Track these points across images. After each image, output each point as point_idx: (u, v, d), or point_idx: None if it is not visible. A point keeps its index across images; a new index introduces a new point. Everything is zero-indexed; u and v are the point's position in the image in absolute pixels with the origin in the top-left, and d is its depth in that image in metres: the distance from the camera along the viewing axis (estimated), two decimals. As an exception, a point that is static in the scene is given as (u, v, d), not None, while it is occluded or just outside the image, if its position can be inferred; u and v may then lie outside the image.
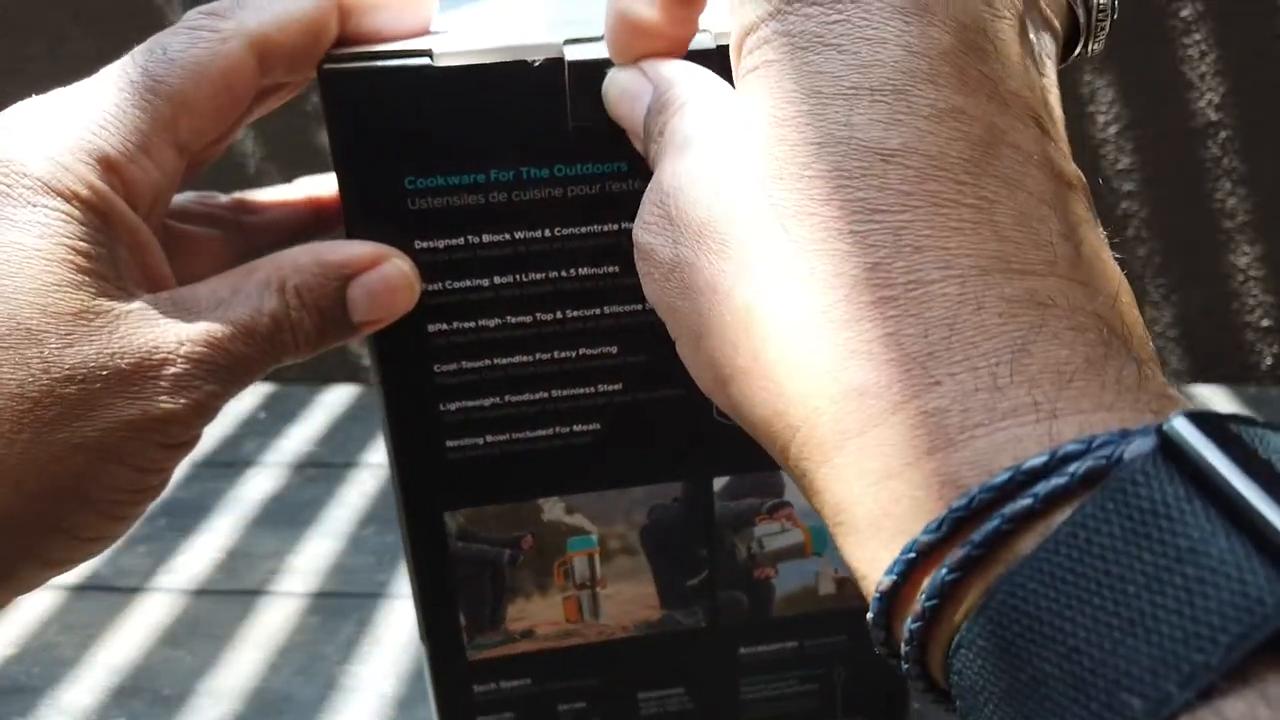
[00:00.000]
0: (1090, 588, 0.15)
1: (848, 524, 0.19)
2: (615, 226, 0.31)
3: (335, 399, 0.82)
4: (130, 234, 0.26)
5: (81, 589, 0.62)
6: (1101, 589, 0.15)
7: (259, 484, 0.72)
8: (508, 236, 0.31)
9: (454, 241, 0.31)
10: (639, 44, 0.25)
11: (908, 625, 0.18)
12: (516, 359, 0.33)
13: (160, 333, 0.26)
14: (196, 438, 0.28)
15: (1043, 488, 0.17)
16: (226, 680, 0.54)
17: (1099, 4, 0.25)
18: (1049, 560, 0.16)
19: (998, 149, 0.19)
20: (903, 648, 0.18)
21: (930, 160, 0.19)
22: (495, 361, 0.33)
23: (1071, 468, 0.16)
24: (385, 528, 0.66)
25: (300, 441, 0.77)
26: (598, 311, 0.33)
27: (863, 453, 0.19)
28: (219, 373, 0.27)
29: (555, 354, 0.33)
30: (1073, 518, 0.16)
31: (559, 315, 0.33)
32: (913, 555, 0.18)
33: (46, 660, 0.56)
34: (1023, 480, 0.17)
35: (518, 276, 0.32)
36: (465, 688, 0.38)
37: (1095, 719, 0.15)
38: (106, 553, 0.65)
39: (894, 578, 0.18)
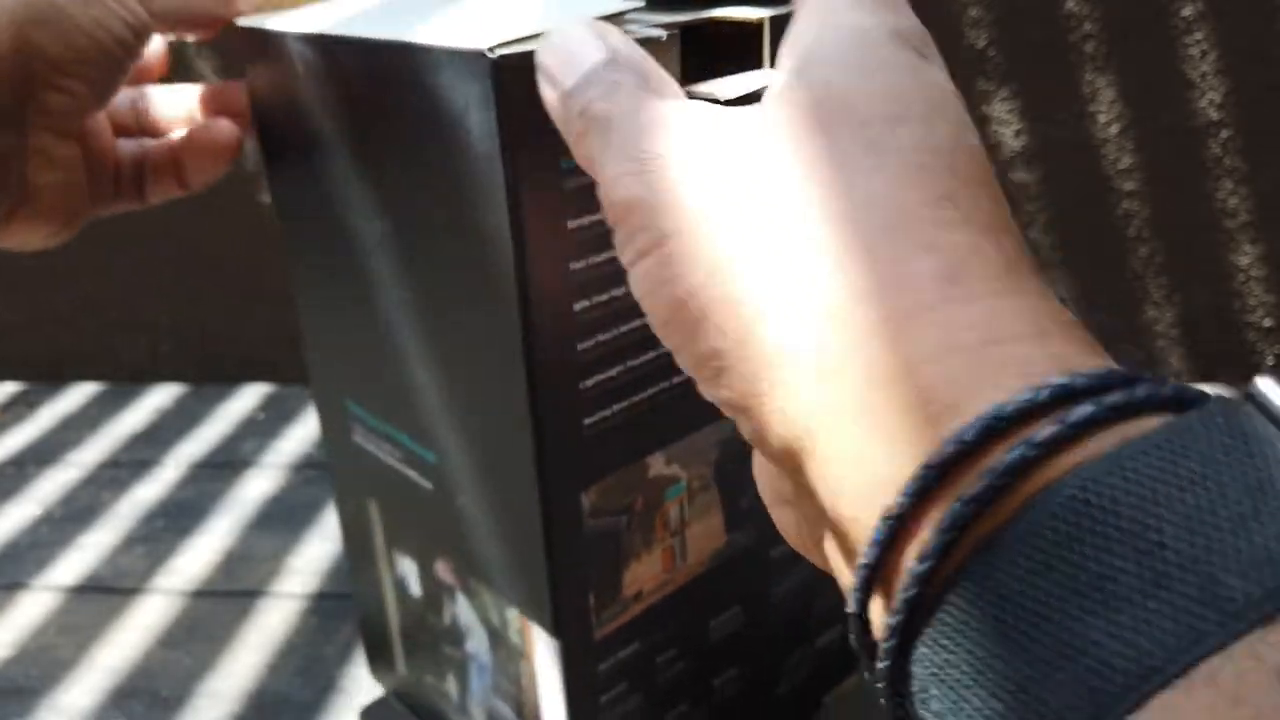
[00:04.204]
0: (1183, 486, 0.15)
1: (877, 406, 0.17)
2: None
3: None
4: None
5: (80, 590, 0.62)
6: (1196, 488, 0.15)
7: (257, 485, 0.72)
8: None
9: (598, 217, 0.31)
10: None
11: (951, 510, 0.16)
12: (634, 323, 0.34)
13: None
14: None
15: (1141, 390, 0.16)
16: (225, 682, 0.54)
17: None
18: (1136, 458, 0.15)
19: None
20: (928, 542, 0.16)
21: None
22: (621, 330, 0.34)
23: (1161, 387, 0.16)
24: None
25: (299, 442, 0.77)
26: None
27: (932, 326, 0.17)
28: None
29: None
30: (1171, 424, 0.15)
31: None
32: (995, 421, 0.16)
33: (45, 662, 0.56)
34: (1115, 381, 0.16)
35: None
36: (592, 670, 0.38)
37: (1182, 613, 0.14)
38: (105, 554, 0.65)
39: (957, 447, 0.16)
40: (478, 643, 0.41)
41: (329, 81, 0.34)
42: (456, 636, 0.42)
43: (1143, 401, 0.16)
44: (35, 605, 0.61)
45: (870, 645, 0.19)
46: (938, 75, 0.21)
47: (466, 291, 0.32)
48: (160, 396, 0.86)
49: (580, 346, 0.33)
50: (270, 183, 0.40)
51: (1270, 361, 0.78)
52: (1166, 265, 0.77)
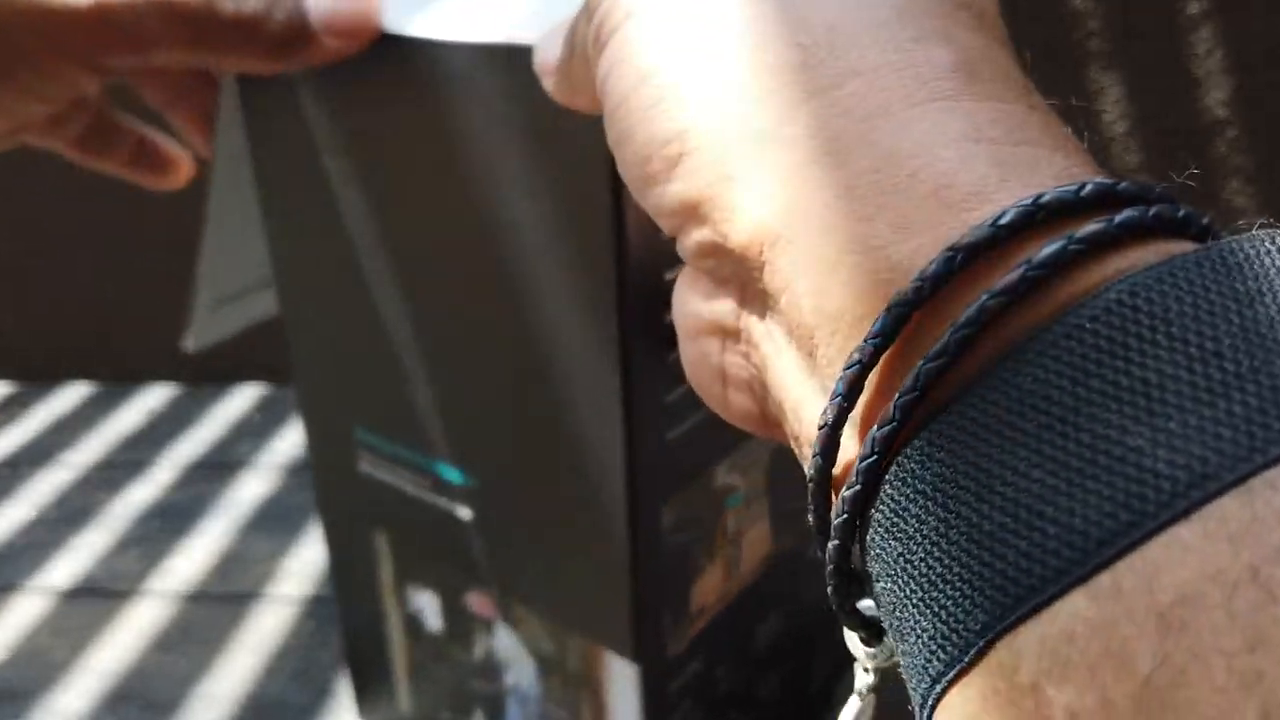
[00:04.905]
0: (1240, 300, 0.13)
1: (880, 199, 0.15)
2: None
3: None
4: None
5: (73, 593, 0.61)
6: (1255, 304, 0.13)
7: (252, 486, 0.71)
8: None
9: None
10: None
11: (976, 303, 0.14)
12: None
13: None
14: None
15: (1184, 210, 0.15)
16: (219, 685, 0.53)
17: None
18: (1188, 268, 0.14)
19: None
20: (944, 339, 0.14)
21: None
22: None
23: (1202, 214, 0.15)
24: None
25: (294, 443, 0.76)
26: None
27: (952, 114, 0.16)
28: None
29: None
30: (1221, 244, 0.14)
31: None
32: (1034, 209, 0.14)
33: (38, 665, 0.56)
34: (1155, 196, 0.15)
35: None
36: (664, 690, 0.37)
37: (1241, 421, 0.12)
38: (98, 556, 0.64)
39: (991, 231, 0.14)
40: (520, 674, 0.39)
41: (348, 84, 0.32)
42: (491, 670, 0.40)
43: (1184, 220, 0.15)
44: (29, 608, 0.60)
45: (826, 482, 0.17)
46: None
47: (551, 306, 0.30)
48: (154, 397, 0.85)
49: (670, 357, 0.31)
50: (261, 195, 0.37)
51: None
52: (1170, 265, 0.76)
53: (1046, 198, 0.14)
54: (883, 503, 0.15)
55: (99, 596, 0.61)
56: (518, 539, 0.35)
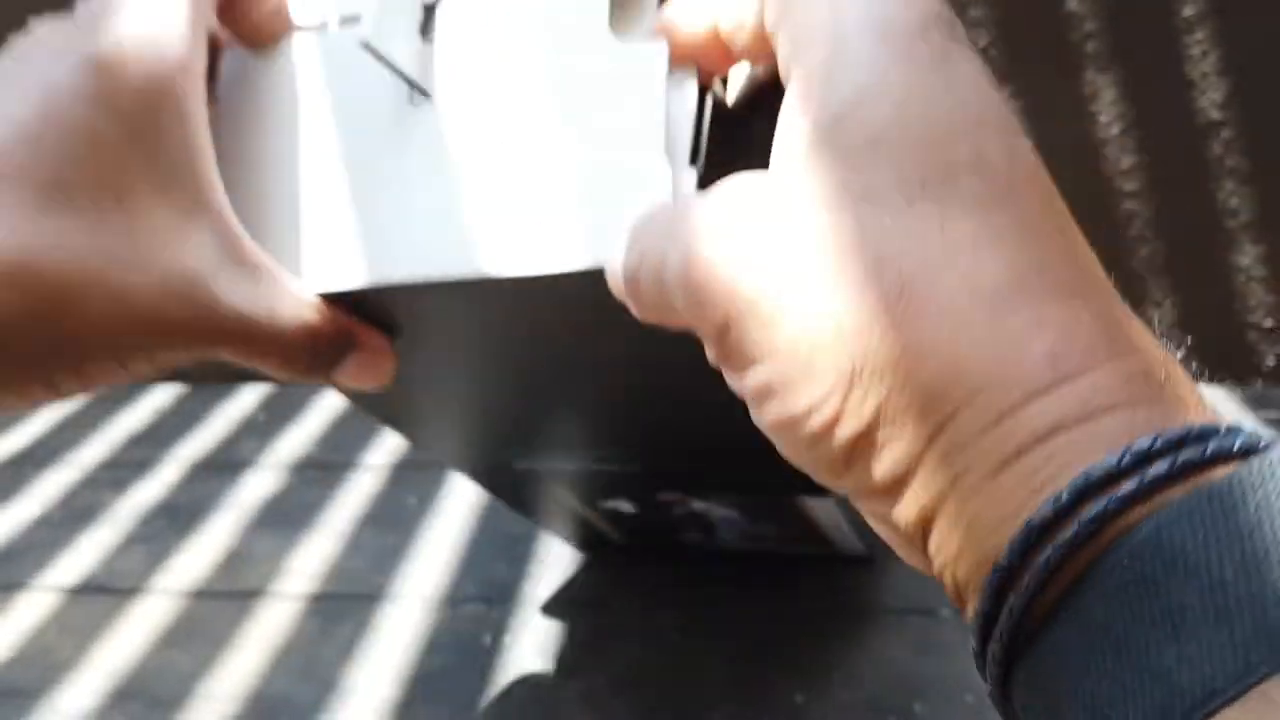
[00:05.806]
0: (1242, 533, 0.17)
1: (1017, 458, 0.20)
2: None
3: (334, 400, 0.82)
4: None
5: (79, 591, 0.62)
6: (1254, 533, 0.17)
7: (257, 485, 0.71)
8: None
9: None
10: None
11: (1046, 555, 0.19)
12: None
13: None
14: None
15: (1212, 445, 0.19)
16: (224, 683, 0.54)
17: None
18: (1202, 507, 0.18)
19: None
20: (1027, 583, 0.19)
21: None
22: None
23: (1232, 441, 0.19)
24: (384, 529, 0.65)
25: (299, 442, 0.77)
26: None
27: (1042, 415, 0.20)
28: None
29: None
30: (1233, 476, 0.18)
31: None
32: (1085, 486, 0.18)
33: (44, 663, 0.56)
34: (1190, 439, 0.19)
35: None
36: None
37: (1240, 645, 0.16)
38: (104, 554, 0.65)
39: (1054, 508, 0.19)
40: (725, 511, 0.48)
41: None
42: (694, 517, 0.49)
43: (1211, 457, 0.19)
44: (34, 606, 0.61)
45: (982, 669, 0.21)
46: (970, 67, 0.23)
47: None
48: (160, 396, 0.86)
49: None
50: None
51: (1270, 362, 0.78)
52: (1166, 265, 0.76)
53: (1096, 474, 0.18)
54: (1014, 699, 0.20)
55: (105, 594, 0.61)
56: (695, 461, 0.42)
